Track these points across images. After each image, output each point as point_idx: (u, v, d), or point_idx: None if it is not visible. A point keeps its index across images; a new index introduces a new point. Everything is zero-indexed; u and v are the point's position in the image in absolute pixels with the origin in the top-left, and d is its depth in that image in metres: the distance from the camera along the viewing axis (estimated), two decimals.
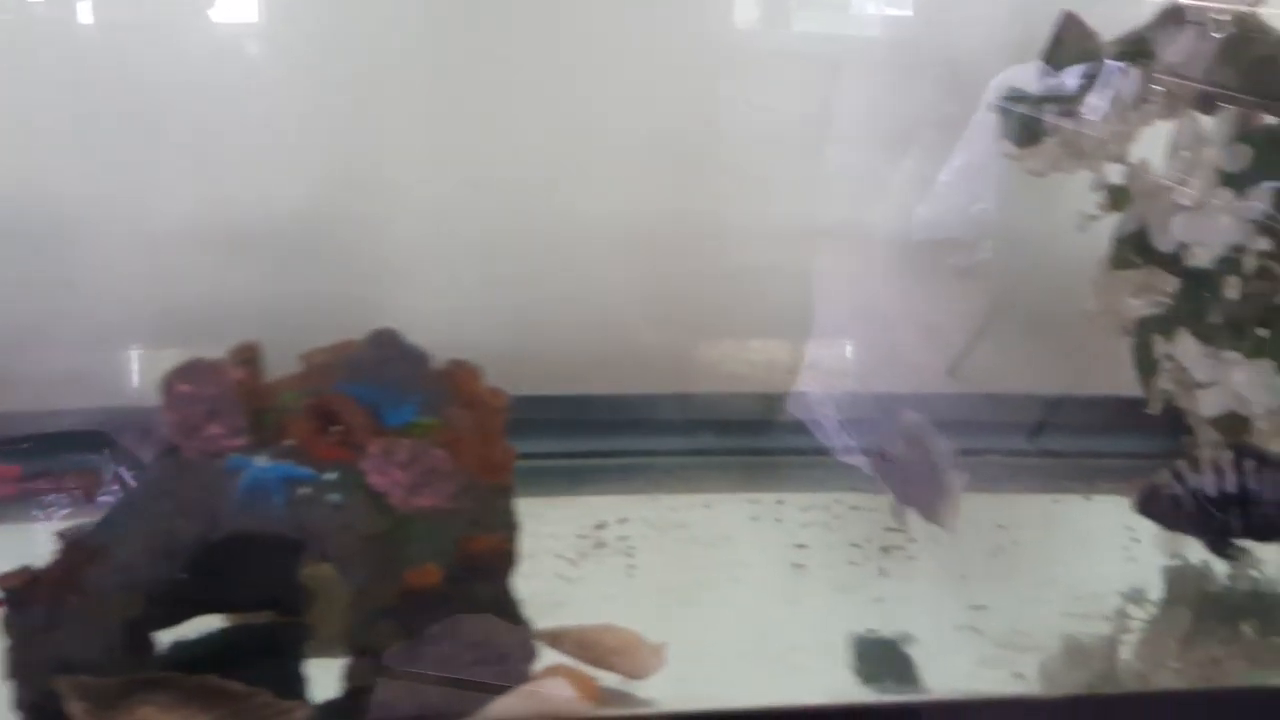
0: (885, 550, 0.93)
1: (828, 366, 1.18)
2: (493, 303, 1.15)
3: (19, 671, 0.69)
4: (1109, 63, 0.94)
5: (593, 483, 1.05)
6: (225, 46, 1.12)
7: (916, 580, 0.92)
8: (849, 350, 1.22)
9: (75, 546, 0.69)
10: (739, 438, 1.12)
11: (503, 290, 1.15)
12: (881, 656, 0.82)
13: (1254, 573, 0.94)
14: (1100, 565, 0.95)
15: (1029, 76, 1.03)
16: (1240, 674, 0.83)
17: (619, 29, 1.12)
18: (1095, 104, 0.91)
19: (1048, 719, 0.79)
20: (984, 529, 0.99)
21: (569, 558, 0.90)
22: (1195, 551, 0.92)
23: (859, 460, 0.99)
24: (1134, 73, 0.90)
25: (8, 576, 0.69)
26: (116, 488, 0.82)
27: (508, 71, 1.11)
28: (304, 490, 0.68)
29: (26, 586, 0.69)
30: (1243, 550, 0.87)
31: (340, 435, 0.70)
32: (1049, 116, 0.93)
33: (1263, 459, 0.83)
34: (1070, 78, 0.95)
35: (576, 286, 1.17)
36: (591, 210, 1.15)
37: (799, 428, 1.08)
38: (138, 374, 1.12)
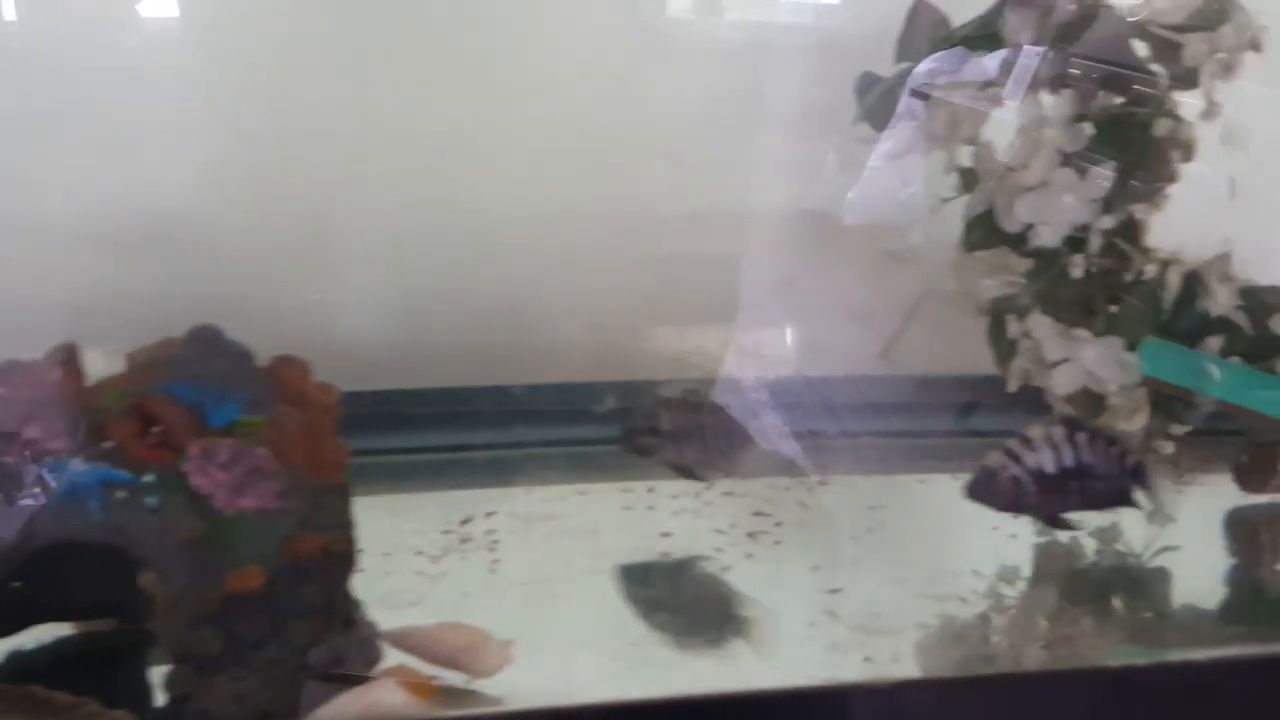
0: (751, 535, 0.93)
1: (757, 351, 1.19)
2: (381, 297, 1.15)
3: None
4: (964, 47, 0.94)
5: (464, 476, 1.05)
6: (115, 43, 1.11)
7: (780, 564, 0.91)
8: (779, 335, 1.23)
9: None
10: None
11: (395, 284, 1.15)
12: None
13: (1119, 547, 0.96)
14: (970, 544, 0.96)
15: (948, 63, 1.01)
16: (1100, 650, 0.85)
17: (553, 15, 1.14)
18: (948, 87, 0.92)
19: (905, 701, 0.79)
20: (859, 511, 1.00)
21: (431, 554, 0.89)
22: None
23: (787, 445, 1.01)
24: (983, 55, 0.91)
25: None
26: (38, 490, 0.80)
27: (427, 62, 1.12)
28: (121, 494, 0.66)
29: None
30: (1077, 523, 0.89)
31: (160, 436, 0.68)
32: (904, 100, 0.93)
33: (1092, 432, 0.84)
34: (927, 62, 0.95)
35: (472, 278, 1.17)
36: (494, 201, 1.15)
37: None
38: None
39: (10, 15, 1.04)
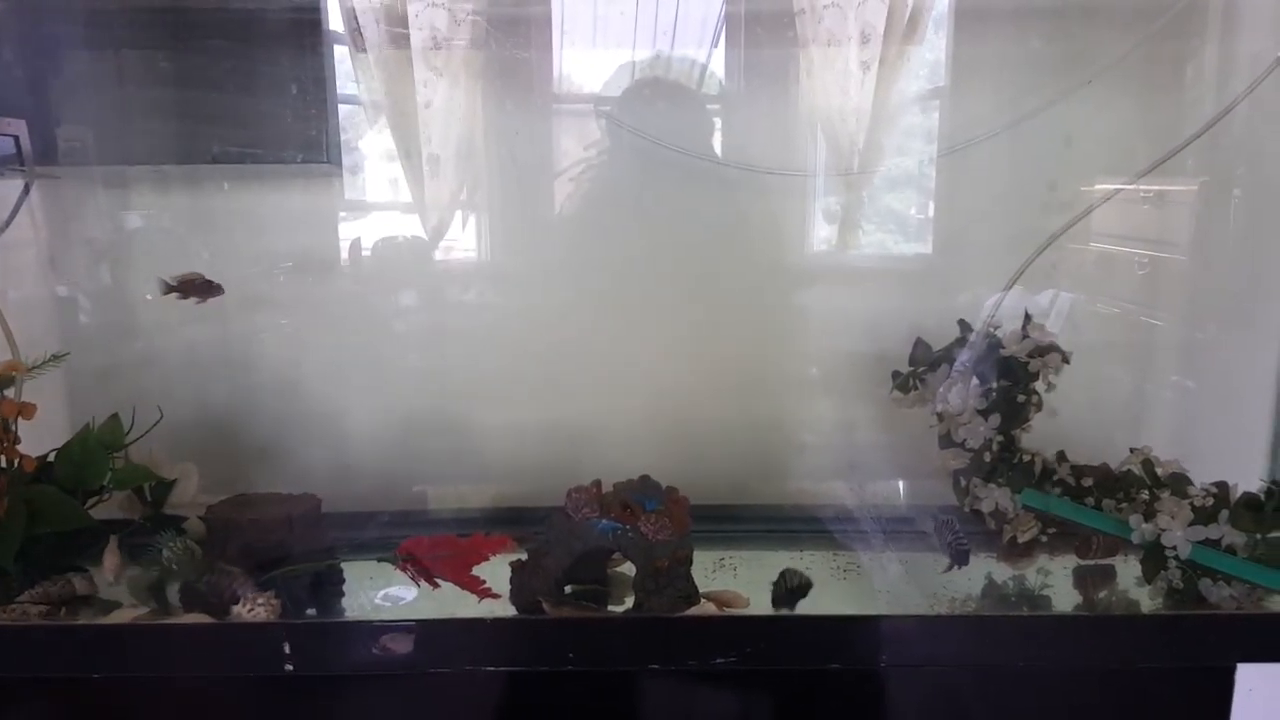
0: (846, 572, 1.79)
1: (875, 491, 1.75)
2: (656, 456, 1.70)
3: (518, 597, 1.55)
4: None
5: (734, 544, 1.75)
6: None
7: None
8: (899, 483, 1.77)
9: (535, 551, 1.66)
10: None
11: (676, 452, 1.81)
12: None
13: (1028, 585, 1.71)
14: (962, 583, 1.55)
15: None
16: None
17: (731, 259, 1.72)
18: (933, 376, 1.76)
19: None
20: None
21: (710, 570, 1.72)
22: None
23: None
24: (944, 365, 1.79)
25: (514, 563, 1.65)
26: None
27: (680, 318, 1.76)
28: (619, 533, 1.64)
29: (520, 566, 1.63)
30: None
31: (630, 513, 1.65)
32: (914, 380, 1.72)
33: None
34: (926, 363, 1.81)
35: (716, 448, 1.83)
36: (721, 407, 1.83)
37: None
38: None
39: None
